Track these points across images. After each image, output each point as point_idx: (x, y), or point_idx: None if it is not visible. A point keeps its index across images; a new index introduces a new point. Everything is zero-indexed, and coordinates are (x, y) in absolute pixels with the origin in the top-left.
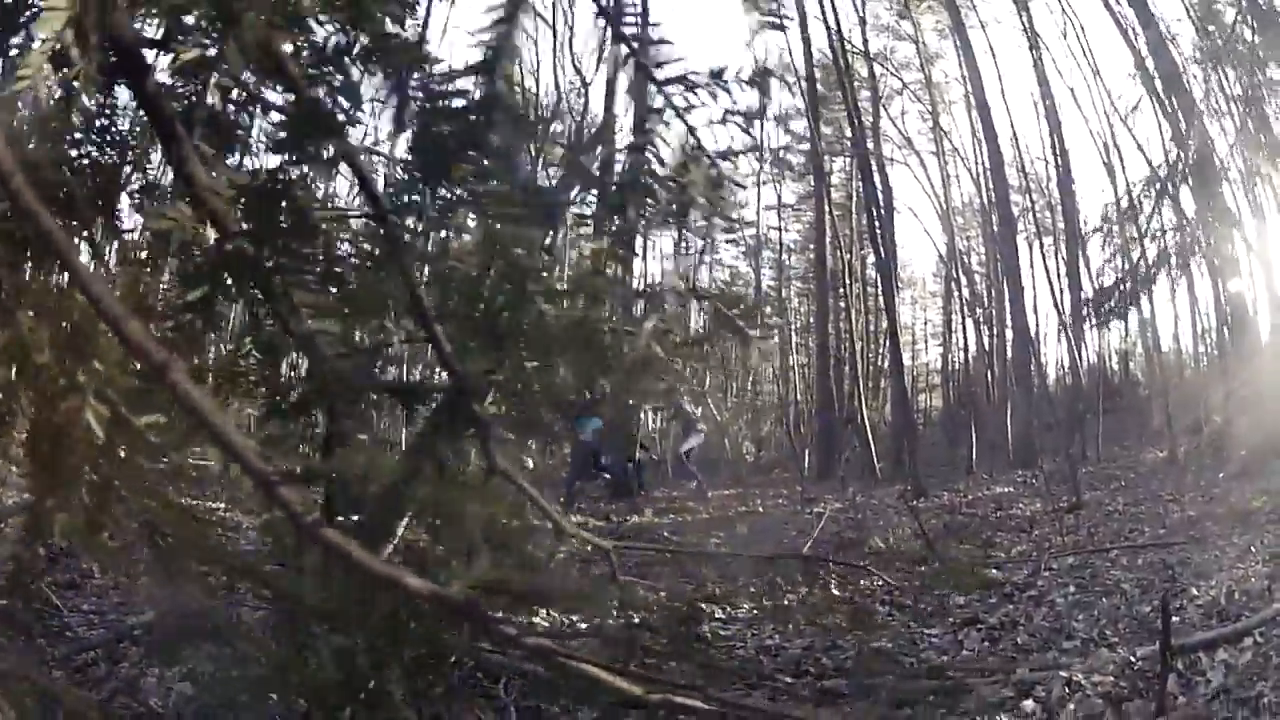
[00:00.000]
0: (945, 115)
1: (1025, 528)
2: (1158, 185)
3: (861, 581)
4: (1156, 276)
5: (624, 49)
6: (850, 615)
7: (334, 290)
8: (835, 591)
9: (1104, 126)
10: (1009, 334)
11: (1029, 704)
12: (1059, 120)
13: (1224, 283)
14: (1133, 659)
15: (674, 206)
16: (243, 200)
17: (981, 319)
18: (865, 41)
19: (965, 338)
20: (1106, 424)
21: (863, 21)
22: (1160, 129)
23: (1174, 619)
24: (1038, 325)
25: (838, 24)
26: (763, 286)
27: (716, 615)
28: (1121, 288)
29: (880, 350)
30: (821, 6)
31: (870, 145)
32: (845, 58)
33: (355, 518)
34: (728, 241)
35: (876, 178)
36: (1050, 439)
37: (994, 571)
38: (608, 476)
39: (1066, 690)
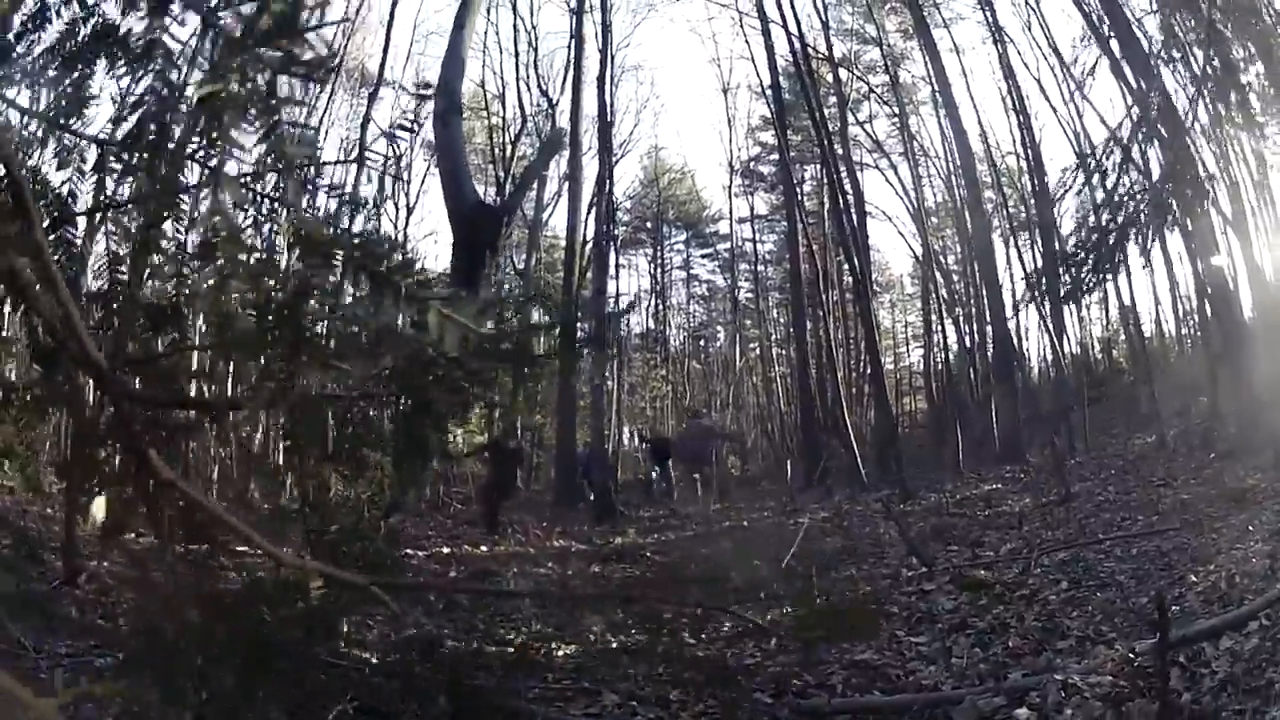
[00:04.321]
0: (914, 116)
1: (1015, 524)
2: (1120, 144)
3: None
4: (1129, 234)
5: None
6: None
7: None
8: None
9: (1072, 115)
10: (989, 331)
11: (1023, 712)
12: (1027, 112)
13: (1201, 258)
14: (1132, 655)
15: None
16: None
17: (961, 317)
18: (829, 47)
19: (945, 338)
20: (1093, 414)
21: (826, 26)
22: (1123, 95)
23: (1174, 608)
24: (1018, 320)
25: (800, 31)
26: (739, 299)
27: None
28: (1098, 247)
29: (861, 356)
30: (782, 13)
31: (839, 151)
32: (809, 64)
33: None
34: (703, 256)
35: (847, 183)
36: (1037, 433)
37: (982, 573)
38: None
39: (1063, 694)
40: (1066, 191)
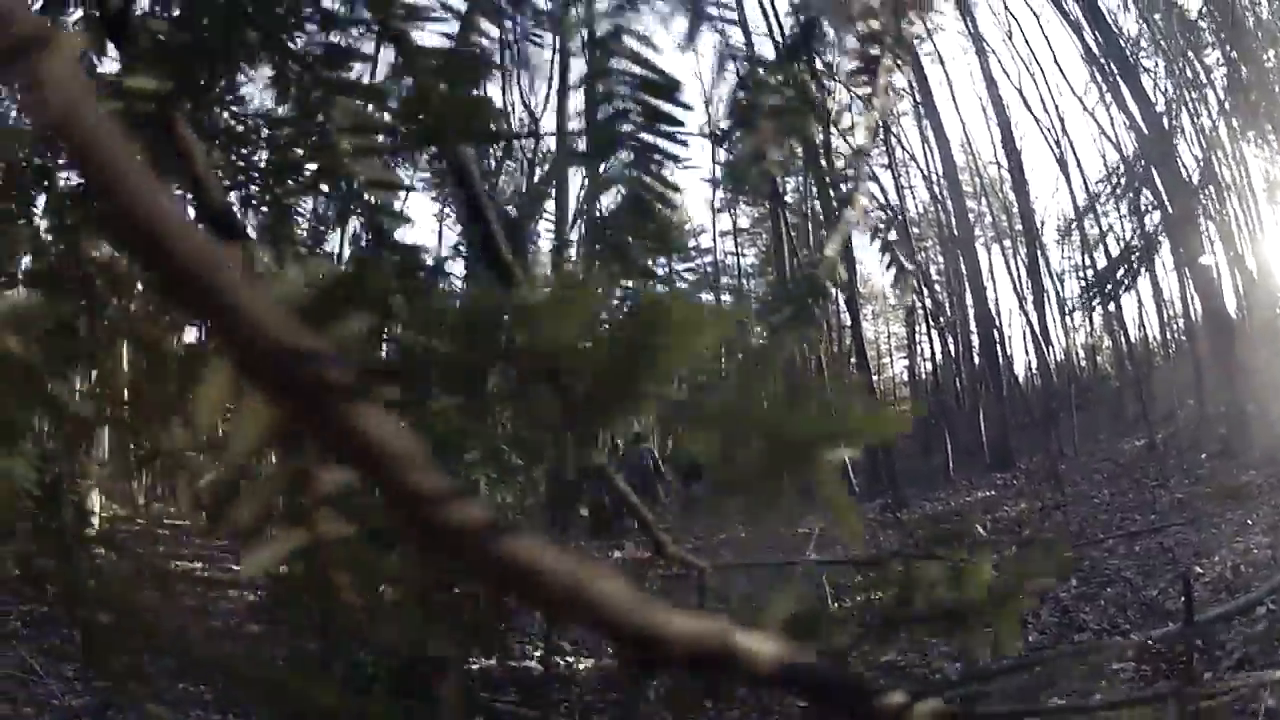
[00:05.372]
0: (895, 126)
1: (1013, 528)
2: (1118, 183)
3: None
4: (1155, 251)
5: None
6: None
7: None
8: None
9: (1054, 122)
10: (974, 339)
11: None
12: (1008, 120)
13: (1190, 260)
14: (1150, 642)
15: None
16: None
17: (945, 326)
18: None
19: (931, 347)
20: (1080, 419)
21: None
22: (1112, 121)
23: (1182, 598)
24: (1001, 328)
25: (785, 38)
26: None
27: None
28: (1126, 262)
29: (848, 366)
30: (767, 21)
31: (822, 162)
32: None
33: None
34: (685, 270)
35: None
36: (1025, 439)
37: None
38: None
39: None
40: (1088, 209)
